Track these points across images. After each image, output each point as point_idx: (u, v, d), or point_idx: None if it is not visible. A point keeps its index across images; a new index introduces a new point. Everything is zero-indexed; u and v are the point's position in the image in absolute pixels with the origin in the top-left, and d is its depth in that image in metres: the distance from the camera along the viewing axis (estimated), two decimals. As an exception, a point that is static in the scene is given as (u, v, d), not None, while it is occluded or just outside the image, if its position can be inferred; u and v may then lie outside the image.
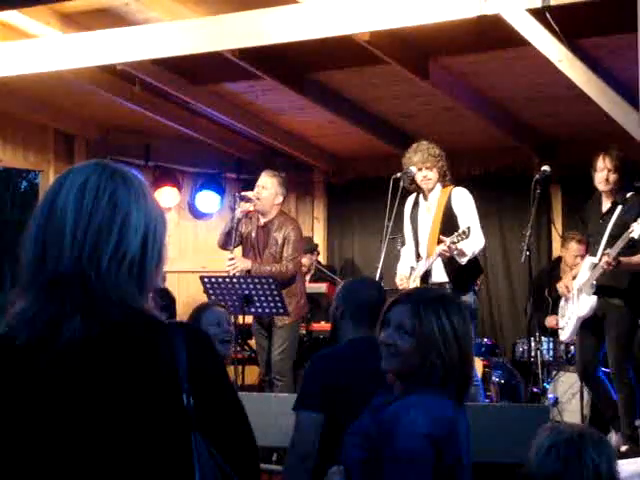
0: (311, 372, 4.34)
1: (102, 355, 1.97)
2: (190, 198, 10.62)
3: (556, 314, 7.65)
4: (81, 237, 2.01)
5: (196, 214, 10.66)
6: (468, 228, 6.67)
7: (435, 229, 7.02)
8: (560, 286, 7.28)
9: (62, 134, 9.65)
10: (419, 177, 7.12)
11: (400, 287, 7.14)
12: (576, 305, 7.02)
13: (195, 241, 10.59)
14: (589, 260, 7.01)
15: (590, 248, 7.15)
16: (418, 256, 7.19)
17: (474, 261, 7.07)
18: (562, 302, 7.29)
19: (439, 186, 7.14)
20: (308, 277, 9.47)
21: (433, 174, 7.11)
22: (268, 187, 7.93)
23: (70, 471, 1.94)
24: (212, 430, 2.03)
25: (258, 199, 7.93)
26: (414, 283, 7.04)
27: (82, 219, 2.02)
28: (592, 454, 2.61)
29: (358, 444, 3.23)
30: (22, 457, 1.96)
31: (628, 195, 6.97)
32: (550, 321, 8.61)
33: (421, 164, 7.09)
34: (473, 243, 6.86)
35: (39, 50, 7.21)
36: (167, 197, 10.28)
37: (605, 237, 6.93)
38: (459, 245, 6.70)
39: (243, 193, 8.10)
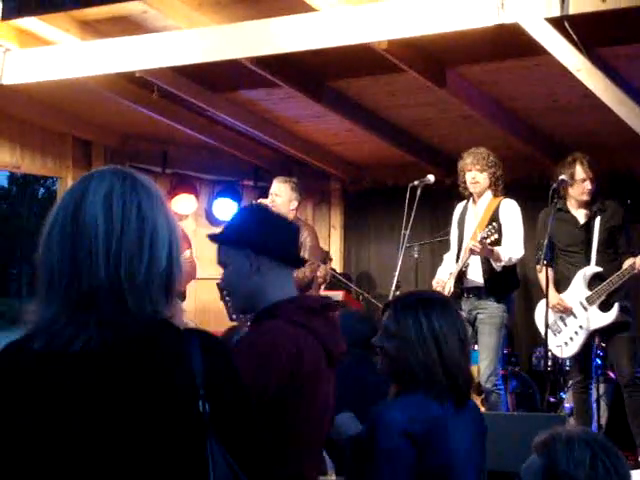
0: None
1: (117, 363, 1.98)
2: (207, 205, 10.64)
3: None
4: (116, 252, 2.00)
5: (213, 221, 10.66)
6: (498, 224, 6.68)
7: (477, 234, 7.01)
8: (558, 305, 7.09)
9: (80, 141, 9.68)
10: (468, 178, 7.13)
11: (436, 289, 7.13)
12: (584, 318, 6.96)
13: (212, 248, 10.49)
14: (585, 271, 6.96)
15: (570, 260, 7.08)
16: (458, 261, 7.19)
17: (512, 272, 7.04)
18: (553, 319, 7.08)
19: (489, 194, 7.15)
20: (323, 287, 9.45)
21: (482, 177, 7.11)
22: (281, 194, 7.94)
23: (86, 477, 1.94)
24: (227, 436, 2.03)
25: (273, 207, 7.93)
26: (449, 285, 7.03)
27: (114, 232, 2.01)
28: (622, 459, 2.60)
29: (349, 448, 3.34)
30: (36, 462, 1.96)
31: (605, 202, 6.99)
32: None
33: (471, 165, 7.13)
34: (510, 250, 6.86)
35: (58, 57, 7.25)
36: (184, 204, 10.30)
37: (594, 245, 6.91)
38: (498, 248, 6.68)
39: (259, 201, 8.10)
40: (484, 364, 6.87)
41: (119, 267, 2.00)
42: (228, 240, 3.22)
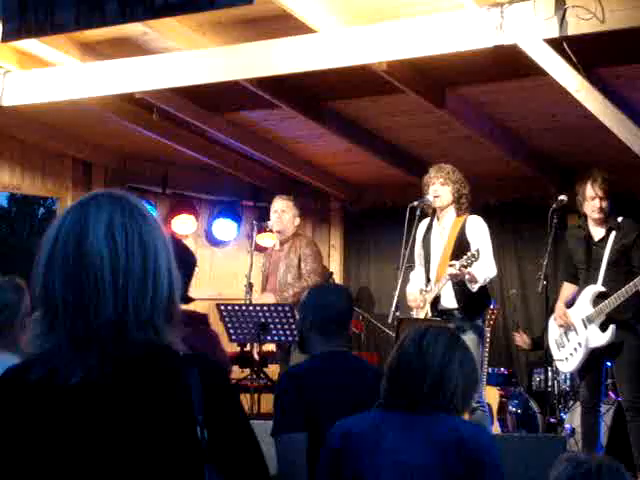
0: (284, 391, 4.21)
1: (115, 392, 1.97)
2: (207, 226, 10.64)
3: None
4: (122, 287, 1.98)
5: (213, 242, 10.66)
6: (477, 251, 6.63)
7: (446, 255, 6.97)
8: (560, 318, 7.12)
9: (80, 162, 9.69)
10: (431, 191, 7.10)
11: (413, 306, 7.12)
12: (584, 336, 6.96)
13: (212, 269, 10.59)
14: (591, 289, 6.96)
15: (583, 277, 7.09)
16: (428, 281, 7.16)
17: (484, 291, 7.03)
18: (559, 333, 7.16)
19: (453, 211, 7.11)
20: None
21: (444, 191, 7.06)
22: (287, 210, 7.99)
23: None
24: (226, 463, 2.02)
25: (280, 223, 7.98)
26: (424, 309, 7.01)
27: (120, 267, 1.98)
28: None
29: None
30: None
31: (619, 219, 6.96)
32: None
33: (434, 178, 7.08)
34: (485, 270, 6.82)
35: (58, 78, 7.27)
36: (184, 225, 10.31)
37: (604, 264, 6.90)
38: (471, 270, 6.66)
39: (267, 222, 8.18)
40: None
41: (127, 302, 1.98)
42: None
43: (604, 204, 6.88)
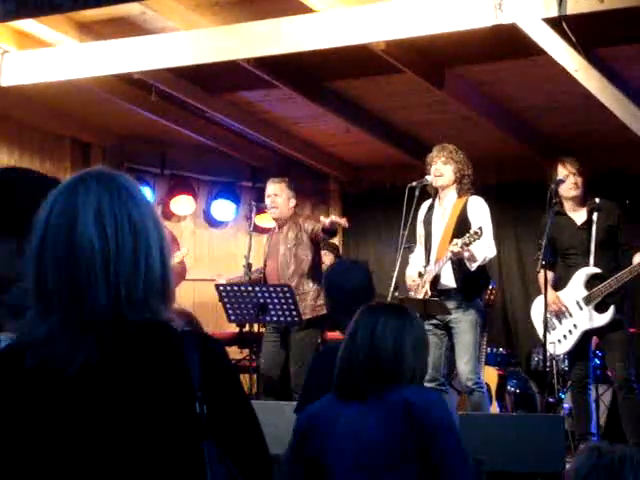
0: (316, 368, 4.24)
1: (114, 372, 1.97)
2: (205, 206, 10.64)
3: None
4: (114, 272, 1.98)
5: (212, 222, 10.67)
6: (480, 228, 6.62)
7: (447, 234, 6.96)
8: (554, 304, 7.06)
9: (78, 142, 9.68)
10: (433, 170, 7.09)
11: (412, 289, 7.13)
12: (580, 317, 6.97)
13: (210, 249, 10.60)
14: (584, 271, 6.96)
15: (572, 261, 7.09)
16: (428, 262, 7.16)
17: (483, 270, 7.03)
18: (548, 315, 7.06)
19: (454, 192, 7.09)
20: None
21: (446, 169, 7.03)
22: (280, 193, 7.96)
23: None
24: (225, 438, 2.03)
25: (275, 207, 7.96)
26: (424, 288, 7.01)
27: (110, 252, 1.98)
28: (629, 478, 2.55)
29: None
30: (37, 467, 1.96)
31: (597, 201, 6.97)
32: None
33: (436, 158, 7.07)
34: (485, 250, 6.82)
35: (56, 59, 7.25)
36: (183, 205, 10.32)
37: (593, 245, 6.91)
38: (472, 248, 6.66)
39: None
40: (462, 362, 6.85)
41: (119, 287, 1.98)
42: None
43: (579, 180, 6.91)
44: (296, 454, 3.55)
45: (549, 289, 6.96)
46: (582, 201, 7.00)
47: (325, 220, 7.56)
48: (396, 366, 3.45)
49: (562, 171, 6.92)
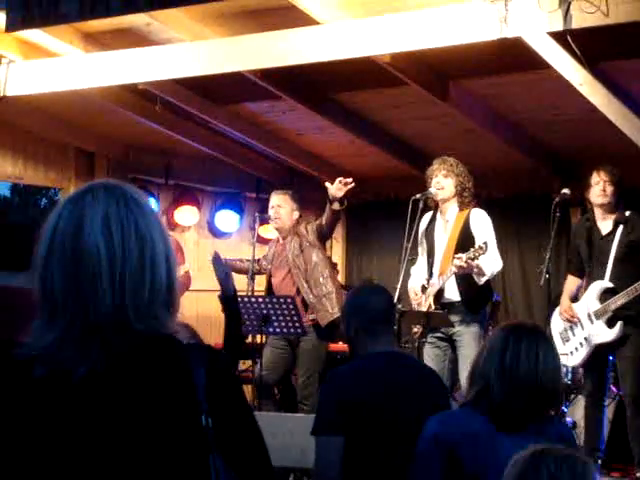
0: (327, 392, 4.18)
1: (120, 383, 1.97)
2: (209, 217, 10.64)
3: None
4: (120, 280, 1.98)
5: (215, 233, 10.67)
6: (485, 243, 6.62)
7: (451, 248, 6.97)
8: (565, 312, 7.10)
9: (83, 152, 9.69)
10: (433, 183, 7.09)
11: (415, 302, 7.13)
12: (589, 331, 6.95)
13: (213, 260, 10.57)
14: (598, 285, 6.94)
15: (589, 271, 7.08)
16: (430, 275, 7.16)
17: (486, 284, 7.03)
18: (563, 327, 7.15)
19: (455, 205, 7.09)
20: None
21: (447, 183, 7.04)
22: (284, 205, 7.96)
23: None
24: (229, 451, 2.02)
25: (278, 218, 7.95)
26: (427, 301, 7.02)
27: (116, 259, 1.99)
28: (551, 468, 2.53)
29: None
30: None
31: (627, 213, 6.94)
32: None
33: (437, 171, 7.07)
34: (492, 264, 6.83)
35: (62, 69, 7.27)
36: (187, 216, 10.32)
37: (611, 259, 6.87)
38: (479, 262, 6.66)
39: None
40: (464, 375, 6.84)
41: (124, 294, 1.99)
42: None
43: (609, 188, 6.85)
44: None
45: (565, 298, 7.00)
46: (611, 210, 6.95)
47: (331, 188, 7.41)
48: (555, 391, 3.43)
49: (594, 178, 6.89)
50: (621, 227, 6.88)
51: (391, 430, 3.98)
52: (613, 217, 6.93)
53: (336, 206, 7.43)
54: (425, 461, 3.43)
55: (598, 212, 6.99)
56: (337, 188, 7.34)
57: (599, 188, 6.86)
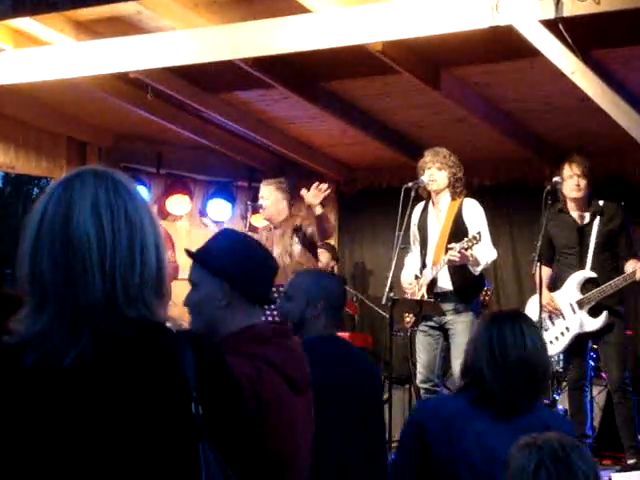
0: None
1: (110, 371, 1.96)
2: (201, 206, 10.64)
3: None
4: (110, 266, 1.98)
5: (207, 222, 10.66)
6: (479, 233, 6.65)
7: (444, 238, 6.99)
8: (549, 305, 7.10)
9: (74, 141, 9.67)
10: (426, 176, 7.09)
11: (409, 292, 7.13)
12: (572, 320, 6.98)
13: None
14: (579, 275, 6.96)
15: (566, 261, 7.09)
16: (424, 265, 7.17)
17: (479, 275, 7.05)
18: (543, 316, 7.08)
19: (448, 195, 7.11)
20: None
21: (440, 176, 7.06)
22: (267, 196, 7.91)
23: None
24: (221, 440, 2.02)
25: (263, 209, 7.94)
26: (420, 291, 7.03)
27: (107, 246, 1.98)
28: (579, 463, 2.53)
29: None
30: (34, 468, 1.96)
31: (601, 203, 6.97)
32: None
33: (431, 163, 7.08)
34: (486, 253, 6.85)
35: (52, 57, 7.24)
36: (178, 205, 10.31)
37: (591, 249, 6.90)
38: (473, 252, 6.68)
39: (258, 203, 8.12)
40: (457, 363, 6.86)
41: (115, 281, 1.98)
42: (207, 264, 3.13)
43: (582, 182, 6.89)
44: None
45: (544, 290, 6.98)
46: (586, 203, 6.98)
47: (307, 196, 7.33)
48: (545, 371, 3.47)
49: (567, 171, 6.91)
50: (598, 218, 6.92)
51: (355, 409, 4.10)
52: (588, 208, 6.97)
53: (318, 211, 7.39)
54: (401, 445, 3.57)
55: (572, 204, 7.02)
56: (313, 195, 7.31)
57: (573, 182, 6.90)
